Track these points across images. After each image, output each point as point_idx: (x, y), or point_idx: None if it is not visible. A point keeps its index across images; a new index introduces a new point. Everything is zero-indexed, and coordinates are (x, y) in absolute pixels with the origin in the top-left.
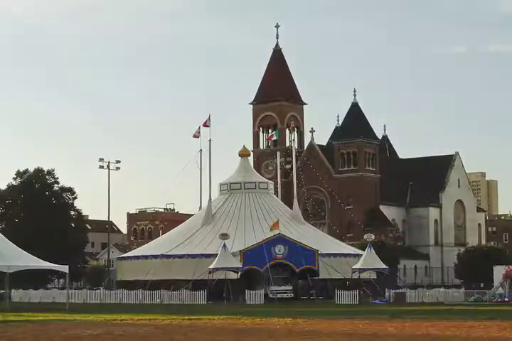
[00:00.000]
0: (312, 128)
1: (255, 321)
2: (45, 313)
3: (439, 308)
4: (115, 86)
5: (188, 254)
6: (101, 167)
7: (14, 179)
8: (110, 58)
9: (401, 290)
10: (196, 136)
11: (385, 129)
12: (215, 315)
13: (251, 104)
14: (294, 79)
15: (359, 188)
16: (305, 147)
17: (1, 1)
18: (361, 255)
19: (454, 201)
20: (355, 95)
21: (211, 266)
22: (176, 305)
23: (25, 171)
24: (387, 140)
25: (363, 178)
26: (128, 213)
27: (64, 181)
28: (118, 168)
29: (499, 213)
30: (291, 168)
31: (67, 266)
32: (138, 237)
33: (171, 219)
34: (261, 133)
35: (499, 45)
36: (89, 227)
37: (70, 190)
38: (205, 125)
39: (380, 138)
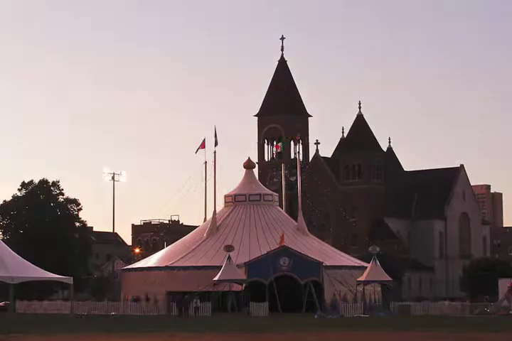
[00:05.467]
0: (317, 140)
1: (261, 334)
2: (49, 325)
3: (444, 321)
4: (119, 97)
5: (192, 266)
6: (106, 178)
7: (19, 190)
8: (116, 67)
9: (406, 303)
10: (201, 147)
11: (389, 141)
12: (221, 328)
13: (256, 116)
14: (299, 91)
15: (364, 200)
16: (310, 159)
17: None
18: (366, 267)
19: (458, 213)
20: (360, 107)
21: (216, 278)
22: (180, 317)
23: (30, 182)
24: (392, 152)
25: (368, 190)
26: (132, 225)
27: (69, 192)
28: (123, 180)
29: (504, 226)
30: (296, 180)
31: (72, 278)
32: (142, 249)
33: (175, 230)
34: (266, 145)
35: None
36: (93, 239)
37: (75, 202)
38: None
39: (385, 150)
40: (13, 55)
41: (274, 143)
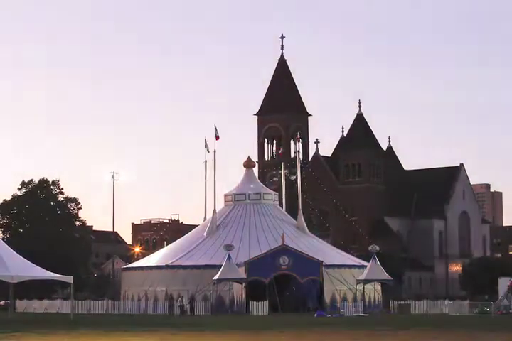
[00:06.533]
0: (317, 140)
1: (261, 333)
2: (49, 324)
3: (444, 320)
4: (118, 96)
5: (192, 265)
6: (106, 177)
7: (19, 189)
8: (115, 66)
9: (406, 302)
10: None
11: (389, 140)
12: (219, 327)
13: (256, 115)
14: (299, 90)
15: (364, 199)
16: (310, 158)
17: None
18: (366, 266)
19: (458, 213)
20: (360, 106)
21: (216, 277)
22: (179, 316)
23: (30, 181)
24: (392, 151)
25: (368, 189)
26: (132, 223)
27: (69, 192)
28: (123, 179)
29: (504, 225)
30: (296, 179)
31: (72, 277)
32: (142, 248)
33: (175, 229)
34: (266, 144)
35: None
36: (93, 238)
37: (75, 201)
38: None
39: (384, 149)
40: (13, 53)
41: (275, 142)
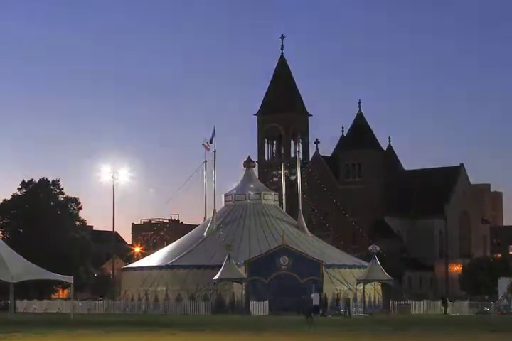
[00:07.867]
0: (317, 140)
1: (261, 333)
2: (49, 324)
3: (444, 320)
4: (118, 96)
5: (192, 265)
6: (106, 177)
7: (19, 189)
8: (116, 67)
9: (406, 302)
10: (207, 147)
11: (389, 140)
12: (219, 327)
13: (256, 115)
14: (299, 90)
15: (364, 199)
16: (310, 158)
17: None
18: (366, 266)
19: (458, 212)
20: (360, 106)
21: (216, 277)
22: (179, 316)
23: (30, 181)
24: (392, 151)
25: (368, 189)
26: (133, 223)
27: (69, 192)
28: (123, 179)
29: (504, 224)
30: (296, 179)
31: (72, 277)
32: (143, 248)
33: (175, 229)
34: (266, 144)
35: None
36: (93, 238)
37: (75, 201)
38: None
39: (384, 149)
40: (15, 52)
41: (275, 142)
